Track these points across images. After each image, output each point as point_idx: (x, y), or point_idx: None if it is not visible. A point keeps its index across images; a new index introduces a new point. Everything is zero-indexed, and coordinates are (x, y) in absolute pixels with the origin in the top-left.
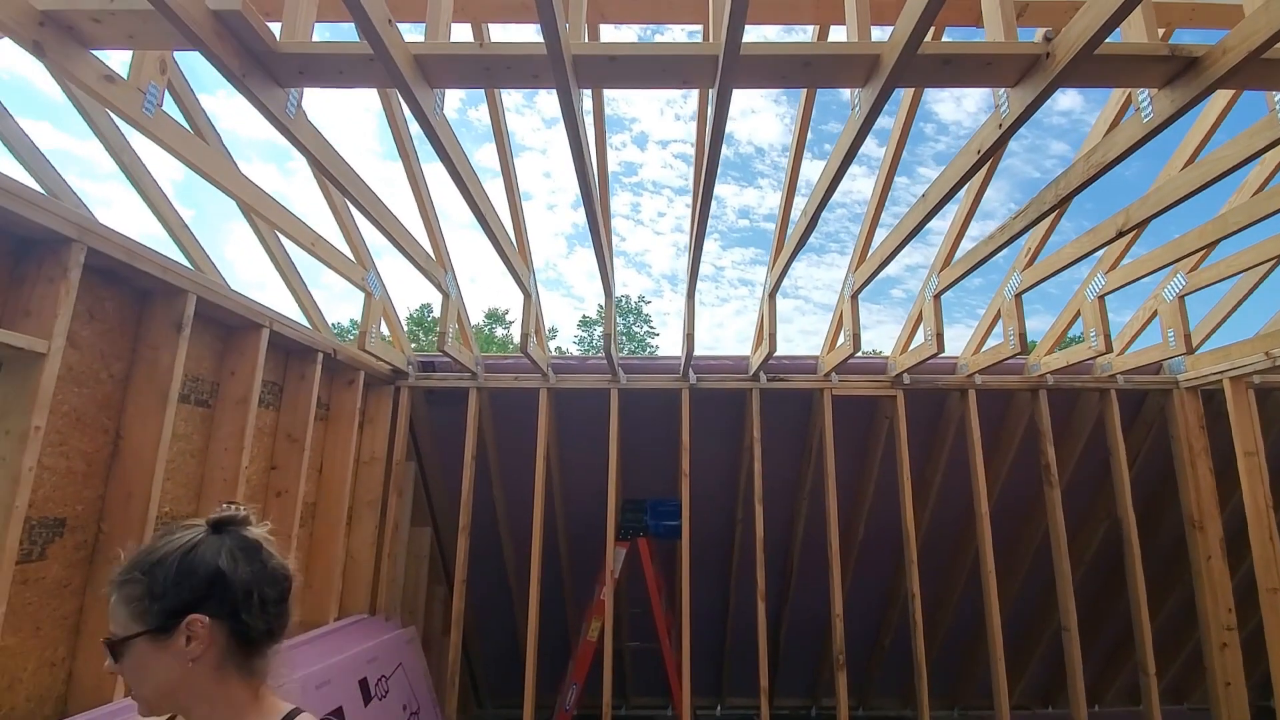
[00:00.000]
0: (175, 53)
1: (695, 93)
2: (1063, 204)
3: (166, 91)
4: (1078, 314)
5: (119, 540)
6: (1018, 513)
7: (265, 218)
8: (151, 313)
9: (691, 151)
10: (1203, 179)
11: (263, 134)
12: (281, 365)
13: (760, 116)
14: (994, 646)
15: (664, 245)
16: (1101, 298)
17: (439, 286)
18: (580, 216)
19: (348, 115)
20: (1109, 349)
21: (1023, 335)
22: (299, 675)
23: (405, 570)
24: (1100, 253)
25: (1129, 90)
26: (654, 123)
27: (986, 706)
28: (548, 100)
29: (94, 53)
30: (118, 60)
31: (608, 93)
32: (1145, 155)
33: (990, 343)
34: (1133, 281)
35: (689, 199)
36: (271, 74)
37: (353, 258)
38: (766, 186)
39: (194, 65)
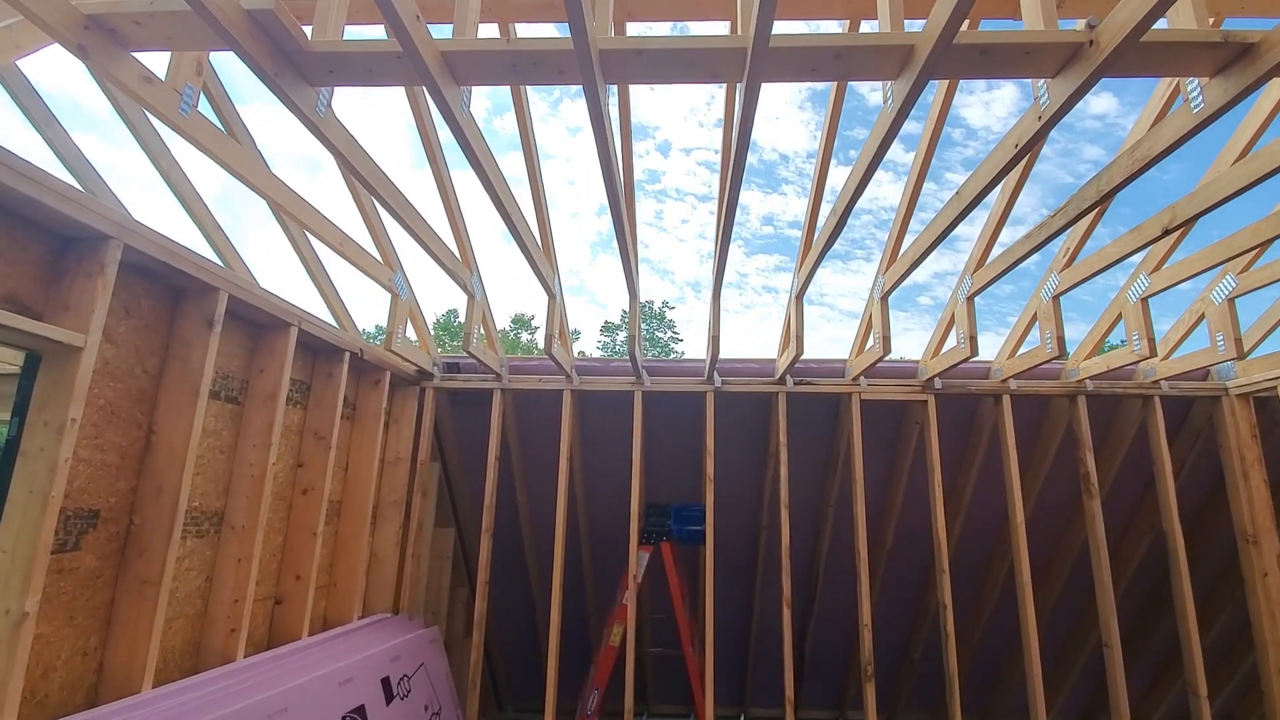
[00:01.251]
0: (211, 57)
1: (719, 100)
2: (1104, 200)
3: (203, 95)
4: (1119, 318)
5: (150, 533)
6: (1055, 523)
7: (295, 217)
8: (185, 310)
9: (715, 159)
10: (1256, 174)
11: (286, 146)
12: (309, 364)
13: (784, 123)
14: (1030, 662)
15: (687, 252)
16: (1145, 300)
17: (464, 287)
18: (604, 224)
19: (379, 124)
20: (1153, 353)
21: (1061, 338)
22: (322, 672)
23: (428, 571)
24: (1144, 253)
25: (1175, 82)
26: (677, 130)
27: None
28: (572, 109)
29: (134, 55)
30: (156, 65)
31: (631, 99)
32: (1187, 158)
33: (1026, 347)
34: (1179, 283)
35: (713, 205)
36: (302, 73)
37: (380, 259)
38: (791, 193)
39: (230, 76)
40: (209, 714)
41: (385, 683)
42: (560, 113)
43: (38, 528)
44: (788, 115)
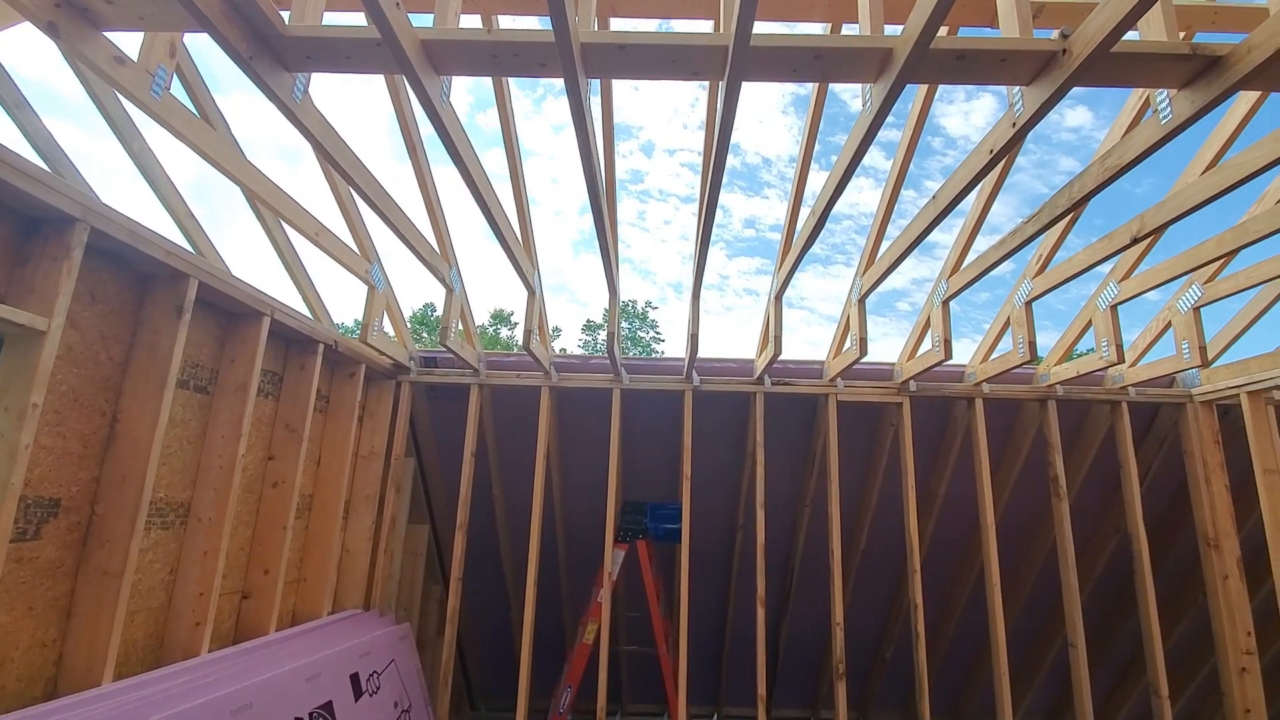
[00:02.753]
0: (189, 43)
1: (703, 102)
2: (1076, 208)
3: (177, 79)
4: (1089, 325)
5: (113, 523)
6: (1024, 525)
7: (270, 206)
8: (153, 296)
9: (699, 160)
10: (1223, 184)
11: (269, 135)
12: (282, 355)
13: (768, 127)
14: (998, 661)
15: (670, 253)
16: (1114, 307)
17: (443, 281)
18: (586, 223)
19: (360, 115)
20: (1121, 360)
21: (1033, 343)
22: (288, 668)
23: (401, 567)
24: (1113, 261)
25: (1147, 93)
26: (661, 131)
27: None
28: (556, 107)
29: (106, 35)
30: (129, 46)
31: (616, 99)
32: (1159, 171)
33: (999, 351)
34: (1146, 291)
35: (695, 207)
36: (279, 58)
37: (357, 250)
38: (774, 197)
39: (211, 64)
40: (171, 709)
41: (354, 679)
42: (544, 110)
43: None
44: (772, 119)
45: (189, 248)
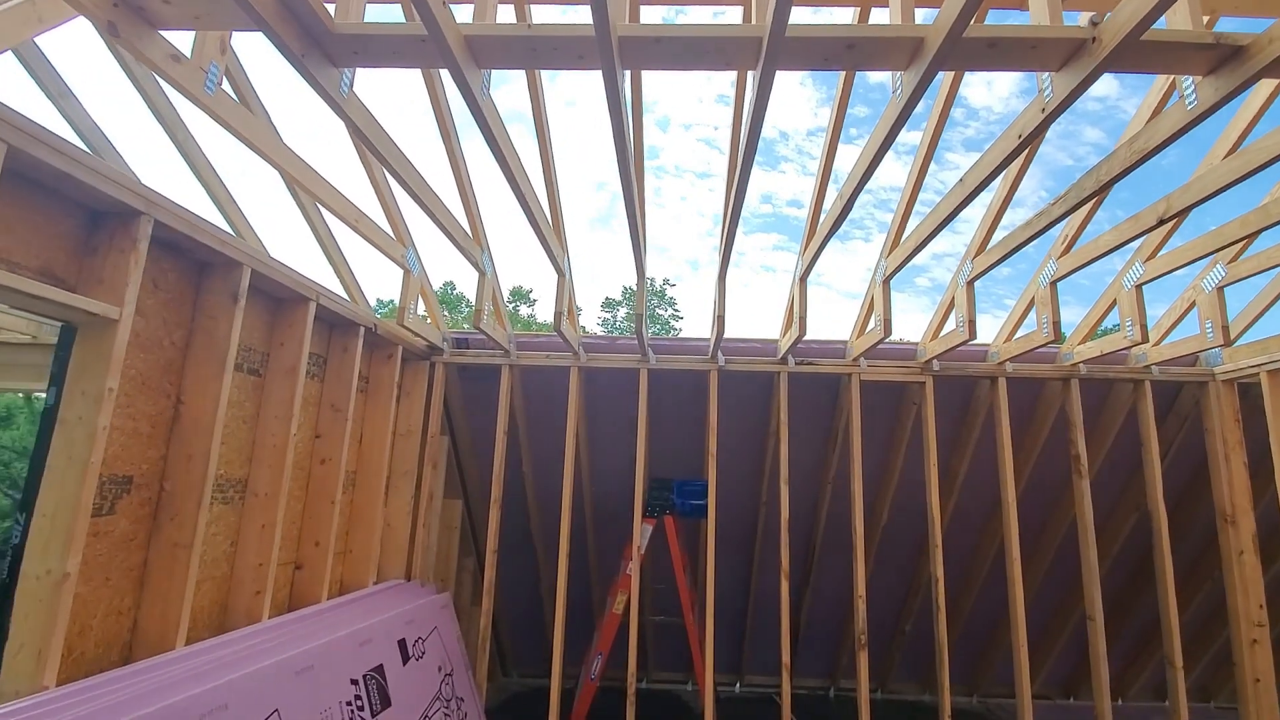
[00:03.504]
0: (234, 34)
1: (718, 76)
2: (1103, 190)
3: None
4: (1113, 304)
5: (181, 498)
6: (1045, 502)
7: (312, 193)
8: (210, 284)
9: (714, 135)
10: (1245, 168)
11: (289, 116)
12: (326, 338)
13: (785, 100)
14: (1017, 634)
15: (686, 230)
16: (1139, 287)
17: (476, 265)
18: (601, 200)
19: (379, 101)
20: (1145, 339)
21: (1057, 323)
22: (344, 633)
23: (438, 540)
24: (1139, 241)
25: (1172, 77)
26: (677, 106)
27: (1007, 694)
28: (569, 81)
29: (162, 33)
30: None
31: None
32: (1184, 143)
33: (1022, 331)
34: (1171, 271)
35: (711, 183)
36: (328, 54)
37: (393, 235)
38: (791, 172)
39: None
40: (242, 669)
41: (401, 644)
42: (557, 85)
43: (77, 493)
44: (788, 92)
45: (232, 232)
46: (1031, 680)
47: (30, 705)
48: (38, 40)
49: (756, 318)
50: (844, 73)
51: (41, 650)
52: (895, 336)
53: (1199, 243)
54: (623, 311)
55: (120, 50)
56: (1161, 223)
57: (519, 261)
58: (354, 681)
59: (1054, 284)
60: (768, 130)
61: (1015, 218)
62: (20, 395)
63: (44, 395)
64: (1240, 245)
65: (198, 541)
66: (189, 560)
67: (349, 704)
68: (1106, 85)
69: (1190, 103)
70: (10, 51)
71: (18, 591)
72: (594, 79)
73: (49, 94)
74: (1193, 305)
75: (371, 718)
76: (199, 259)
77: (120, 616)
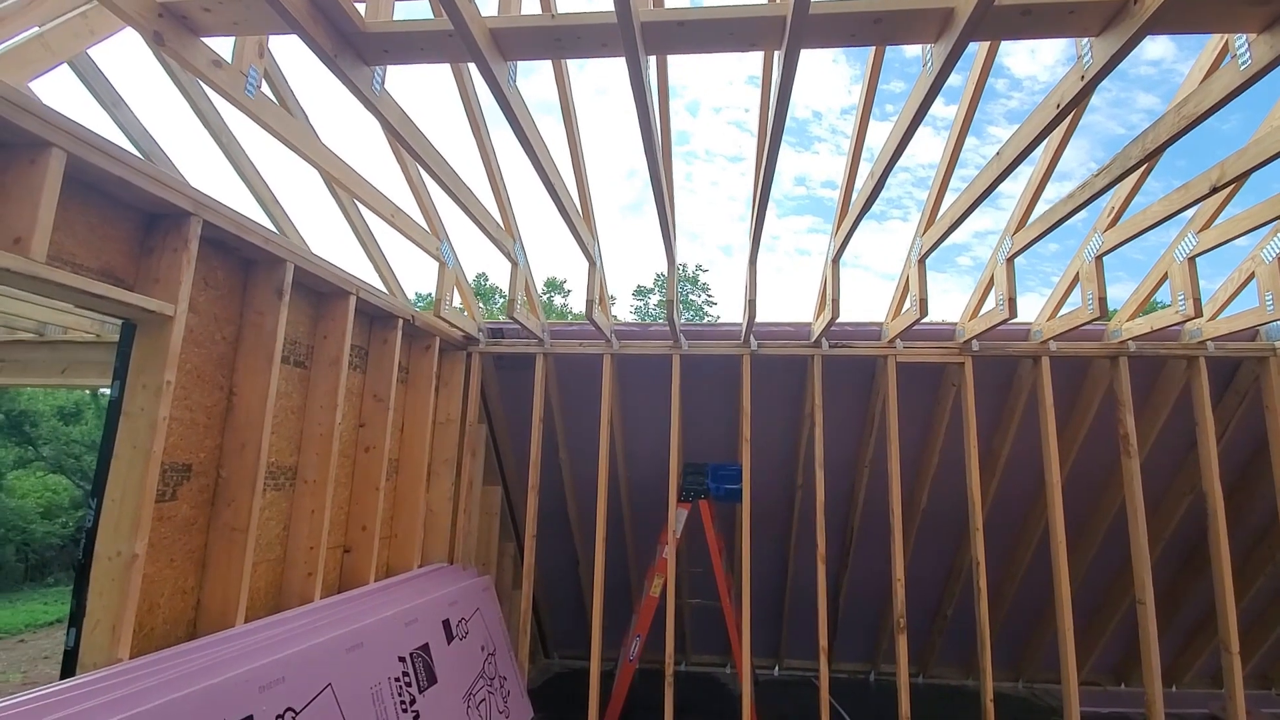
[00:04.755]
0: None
1: (748, 57)
2: (1151, 158)
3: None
4: (1164, 278)
5: (236, 485)
6: (1092, 484)
7: (350, 190)
8: (255, 280)
9: (745, 118)
10: None
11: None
12: (366, 330)
13: (817, 79)
14: (1063, 619)
15: (718, 215)
16: (1192, 259)
17: (508, 255)
18: (630, 188)
19: (405, 96)
20: (1198, 314)
21: (1103, 299)
22: (391, 613)
23: (478, 526)
24: (1191, 211)
25: (1226, 36)
26: (706, 89)
27: (1054, 680)
28: (596, 69)
29: (204, 40)
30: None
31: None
32: (1246, 108)
33: (1067, 308)
34: (1227, 241)
35: (743, 167)
36: (359, 54)
37: (428, 229)
38: (825, 152)
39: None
40: (298, 645)
41: (446, 624)
42: (585, 73)
43: (142, 479)
44: (821, 70)
45: (275, 230)
46: (1080, 666)
47: (108, 675)
48: (90, 52)
49: (792, 302)
50: (873, 48)
51: (115, 626)
52: (935, 317)
53: (1257, 210)
54: (655, 298)
55: (165, 58)
56: (1215, 191)
57: (553, 252)
58: (401, 659)
59: (1100, 258)
60: (801, 110)
61: (1059, 191)
62: (87, 392)
63: (107, 391)
64: None
65: (253, 525)
66: (245, 543)
67: (397, 680)
68: (1160, 47)
69: (1243, 62)
70: (65, 64)
71: (93, 572)
72: (623, 67)
73: (102, 103)
74: (1251, 277)
75: (419, 693)
76: (245, 257)
77: (185, 595)
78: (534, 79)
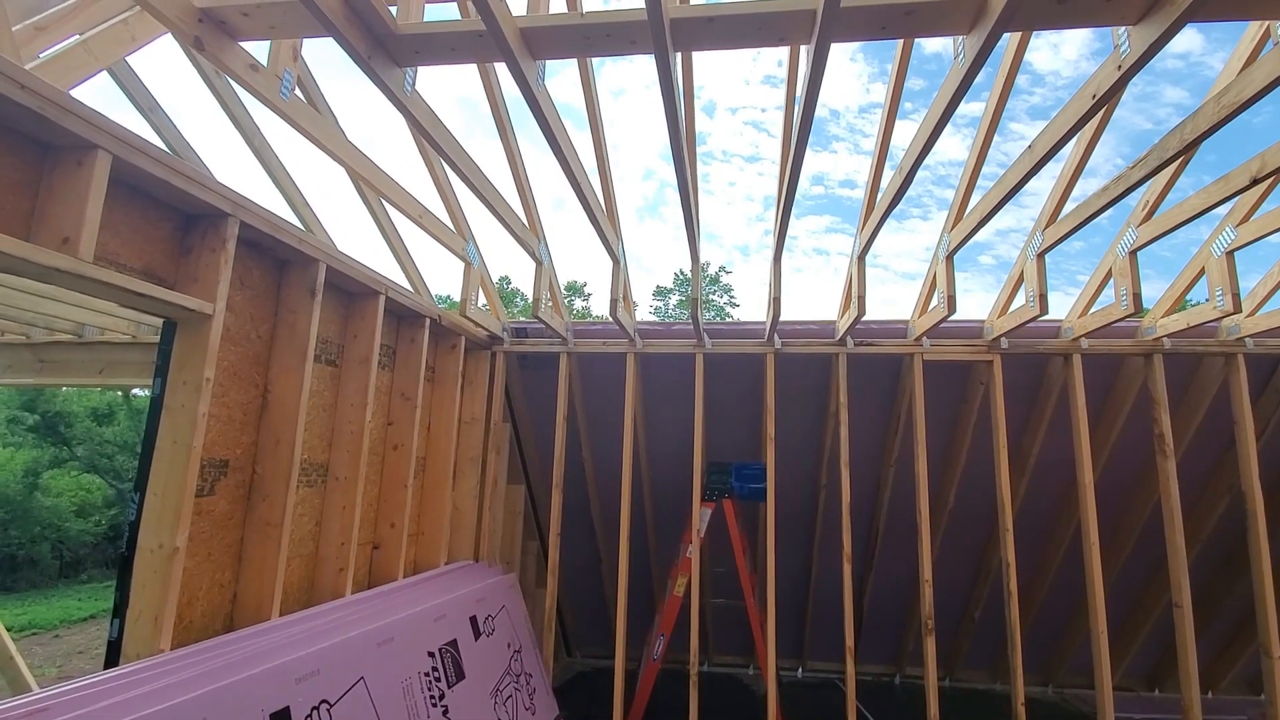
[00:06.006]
0: (305, 42)
1: (764, 56)
2: (1188, 150)
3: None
4: (1201, 273)
5: (271, 481)
6: (1125, 484)
7: (378, 190)
8: (289, 280)
9: (762, 118)
10: None
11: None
12: (394, 330)
13: (835, 77)
14: (1096, 622)
15: (735, 215)
16: (1231, 253)
17: (533, 255)
18: (649, 189)
19: (430, 97)
20: (1237, 309)
21: (1137, 295)
22: (421, 608)
23: (503, 524)
24: (1229, 205)
25: (1267, 24)
26: (723, 89)
27: (1085, 685)
28: (614, 70)
29: (241, 44)
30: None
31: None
32: (1278, 100)
33: (1099, 305)
34: (1267, 235)
35: (760, 167)
36: (391, 55)
37: (454, 229)
38: (842, 151)
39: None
40: (332, 639)
41: (473, 621)
42: (603, 75)
43: (183, 473)
44: (838, 68)
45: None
46: (1113, 671)
47: (151, 665)
48: (127, 59)
49: (810, 302)
50: (901, 41)
51: (158, 617)
52: (959, 315)
53: None
54: (675, 299)
55: (202, 63)
56: (1255, 182)
57: (571, 256)
58: (430, 654)
59: (1134, 254)
60: (819, 109)
61: (1087, 188)
62: (119, 393)
63: (139, 392)
64: None
65: (287, 521)
66: (280, 538)
67: (426, 675)
68: (1188, 39)
69: None
70: (105, 70)
71: (135, 564)
72: (640, 67)
73: (139, 108)
74: None
75: (448, 688)
76: (279, 257)
77: (222, 589)
78: (552, 83)
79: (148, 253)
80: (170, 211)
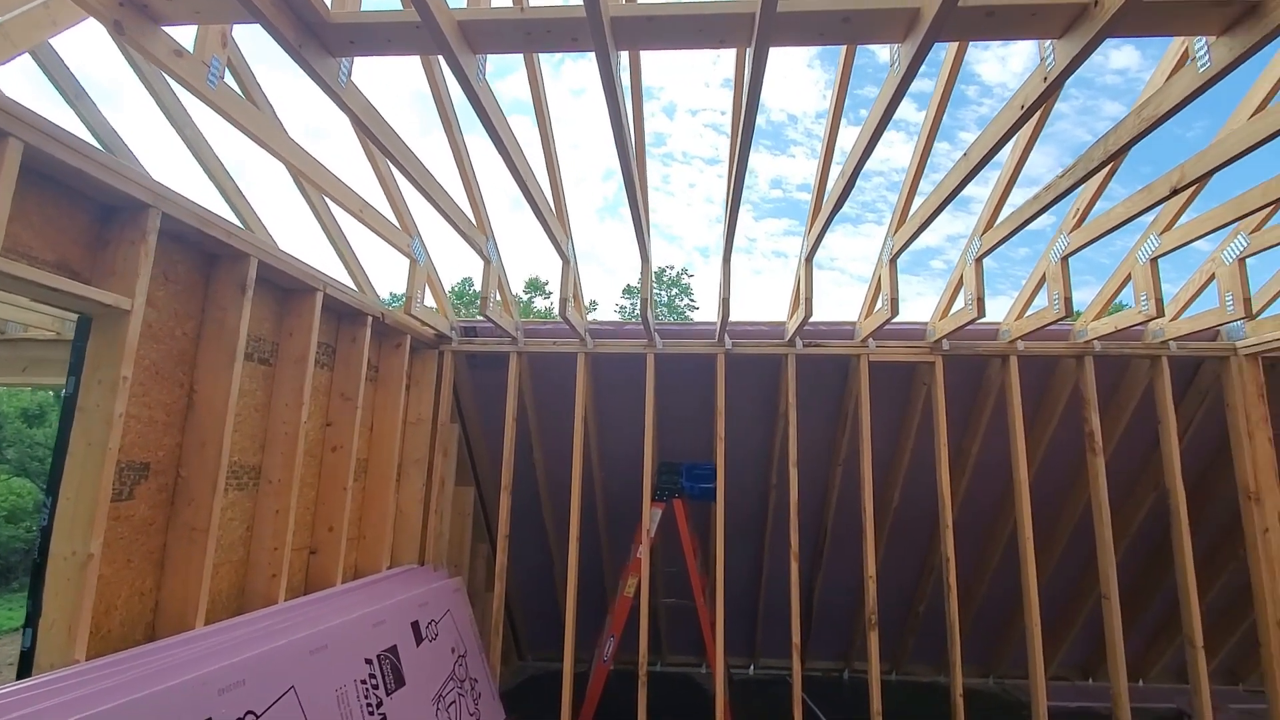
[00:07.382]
0: (235, 28)
1: (725, 59)
2: (1114, 160)
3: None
4: (1128, 279)
5: (196, 484)
6: (1059, 482)
7: (317, 184)
8: (218, 275)
9: (722, 120)
10: (1266, 131)
11: (296, 113)
12: (334, 328)
13: (793, 84)
14: (1030, 615)
15: (695, 216)
16: (1154, 260)
17: (480, 252)
18: (610, 189)
19: (385, 92)
20: (1160, 314)
21: (1068, 299)
22: (357, 614)
23: (450, 526)
24: (1154, 214)
25: (1187, 40)
26: (683, 91)
27: (1025, 676)
28: (575, 70)
29: (165, 29)
30: (182, 39)
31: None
32: (1213, 113)
33: (1034, 308)
34: (1189, 243)
35: (720, 169)
36: (325, 44)
37: (398, 225)
38: (800, 155)
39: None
40: (259, 647)
41: (415, 626)
42: (562, 74)
43: (97, 477)
44: (797, 75)
45: (240, 224)
46: (1048, 661)
47: (63, 677)
48: (53, 43)
49: (769, 304)
50: (845, 48)
51: (71, 626)
52: (906, 318)
53: (1218, 212)
54: None
55: (127, 48)
56: (1175, 192)
57: (535, 254)
58: (368, 661)
59: (1065, 259)
60: (776, 114)
61: (1026, 196)
62: (51, 393)
63: None
64: (1263, 214)
65: (214, 526)
66: (206, 544)
67: (363, 682)
68: (1126, 57)
69: (1202, 65)
70: (28, 54)
71: (48, 571)
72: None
73: (65, 95)
74: (1212, 278)
75: (386, 695)
76: (207, 251)
77: (143, 597)
78: (510, 80)
79: (62, 245)
80: (87, 203)
